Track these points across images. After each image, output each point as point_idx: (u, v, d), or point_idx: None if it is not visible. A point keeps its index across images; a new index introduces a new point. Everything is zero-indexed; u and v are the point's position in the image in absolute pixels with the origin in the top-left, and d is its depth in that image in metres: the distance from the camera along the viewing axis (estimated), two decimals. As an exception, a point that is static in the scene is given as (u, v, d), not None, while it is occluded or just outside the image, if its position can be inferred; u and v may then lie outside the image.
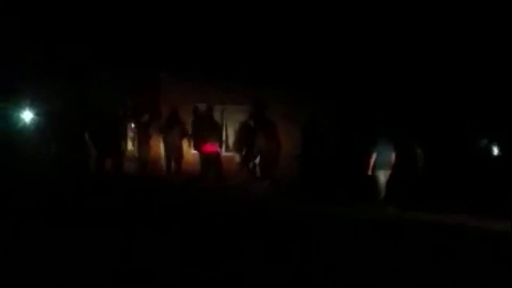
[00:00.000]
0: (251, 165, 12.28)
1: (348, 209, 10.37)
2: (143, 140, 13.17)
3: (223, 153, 13.44)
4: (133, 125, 14.07)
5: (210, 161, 12.23)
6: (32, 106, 13.09)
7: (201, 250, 6.08)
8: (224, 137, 14.25)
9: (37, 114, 13.05)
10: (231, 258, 5.86)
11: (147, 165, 13.11)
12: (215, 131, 12.63)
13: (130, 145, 14.33)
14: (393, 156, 11.02)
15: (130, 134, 14.34)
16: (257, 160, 12.09)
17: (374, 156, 10.99)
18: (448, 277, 5.77)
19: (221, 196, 10.56)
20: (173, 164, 12.80)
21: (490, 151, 14.66)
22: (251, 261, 5.72)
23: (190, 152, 13.06)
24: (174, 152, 12.69)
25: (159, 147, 13.38)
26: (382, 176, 11.02)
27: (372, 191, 11.09)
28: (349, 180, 11.71)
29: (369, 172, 11.02)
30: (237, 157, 12.79)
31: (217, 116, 13.61)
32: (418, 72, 13.75)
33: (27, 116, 13.23)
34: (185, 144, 12.77)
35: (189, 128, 12.71)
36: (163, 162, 13.12)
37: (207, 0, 14.00)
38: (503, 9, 12.36)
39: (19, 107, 12.99)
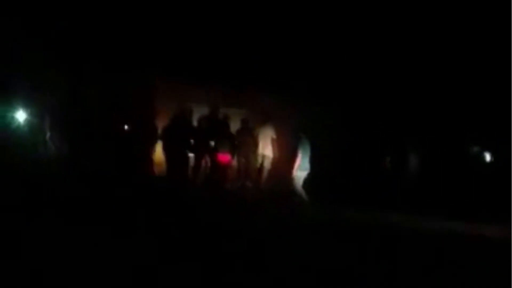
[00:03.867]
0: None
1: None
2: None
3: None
4: (126, 127, 14.03)
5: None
6: (25, 106, 13.08)
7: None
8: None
9: (31, 114, 13.05)
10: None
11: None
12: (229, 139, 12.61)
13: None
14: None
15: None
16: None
17: (299, 156, 10.99)
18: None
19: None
20: None
21: (483, 158, 14.70)
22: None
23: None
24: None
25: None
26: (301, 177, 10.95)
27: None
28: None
29: (294, 173, 11.00)
30: None
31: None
32: (412, 77, 13.75)
33: (21, 116, 13.22)
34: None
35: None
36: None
37: (203, 1, 13.93)
38: (494, 19, 12.49)
39: (12, 107, 12.98)
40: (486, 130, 13.92)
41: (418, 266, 6.55)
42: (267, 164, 12.63)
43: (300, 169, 10.94)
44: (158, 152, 12.52)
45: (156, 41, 13.85)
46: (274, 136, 12.58)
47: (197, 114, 13.09)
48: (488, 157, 14.61)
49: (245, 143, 12.59)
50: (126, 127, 13.90)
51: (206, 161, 12.40)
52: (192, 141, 12.20)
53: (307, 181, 10.98)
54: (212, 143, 12.33)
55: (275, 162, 12.65)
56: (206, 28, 13.79)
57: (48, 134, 12.35)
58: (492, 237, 9.34)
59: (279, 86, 13.41)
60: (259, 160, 12.65)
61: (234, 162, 12.77)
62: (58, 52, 13.44)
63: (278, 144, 12.63)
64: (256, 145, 12.66)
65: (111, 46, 13.62)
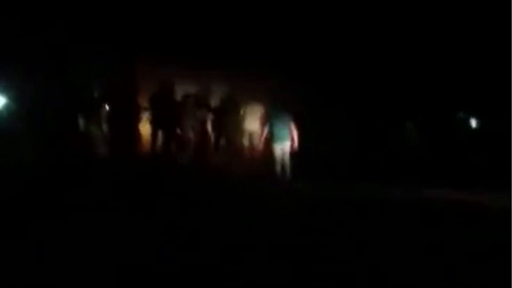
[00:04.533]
0: None
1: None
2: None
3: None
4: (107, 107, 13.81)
5: None
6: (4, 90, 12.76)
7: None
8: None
9: (11, 98, 12.73)
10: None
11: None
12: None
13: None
14: (291, 128, 10.70)
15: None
16: None
17: (266, 129, 10.89)
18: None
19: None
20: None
21: (468, 124, 14.73)
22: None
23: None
24: None
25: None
26: (279, 150, 10.71)
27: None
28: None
29: (260, 146, 10.99)
30: None
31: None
32: (403, 47, 13.68)
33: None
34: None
35: None
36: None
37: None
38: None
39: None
40: (471, 95, 13.90)
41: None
42: (256, 141, 12.33)
43: (277, 141, 10.70)
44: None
45: (138, 16, 13.55)
46: (262, 113, 12.41)
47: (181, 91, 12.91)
48: (473, 123, 14.65)
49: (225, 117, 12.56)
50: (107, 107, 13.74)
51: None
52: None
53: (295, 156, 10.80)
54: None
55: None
56: (190, 8, 13.53)
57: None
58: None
59: (270, 65, 13.20)
60: (246, 136, 12.54)
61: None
62: (38, 32, 13.12)
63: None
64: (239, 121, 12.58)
65: (90, 22, 13.30)
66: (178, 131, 12.28)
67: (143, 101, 12.48)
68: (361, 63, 13.61)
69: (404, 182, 10.91)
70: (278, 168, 10.70)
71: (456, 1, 13.07)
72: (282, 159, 10.68)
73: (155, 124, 12.13)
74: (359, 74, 13.66)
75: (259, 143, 12.16)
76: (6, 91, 12.55)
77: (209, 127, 12.93)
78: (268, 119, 11.10)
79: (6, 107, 12.56)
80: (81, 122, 11.87)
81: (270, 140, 10.85)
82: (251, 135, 12.54)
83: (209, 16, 13.52)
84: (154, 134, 12.11)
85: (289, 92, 12.40)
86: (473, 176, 11.26)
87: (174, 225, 6.51)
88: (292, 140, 10.65)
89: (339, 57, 13.56)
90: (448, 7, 13.09)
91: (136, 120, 12.27)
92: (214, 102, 13.22)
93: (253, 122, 12.51)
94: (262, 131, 11.92)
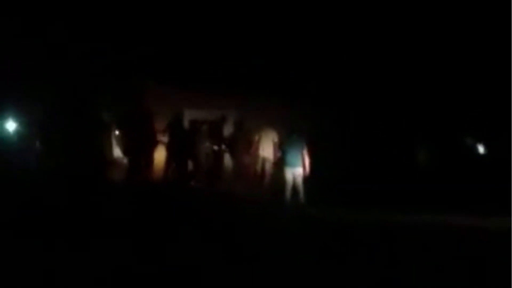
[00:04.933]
0: None
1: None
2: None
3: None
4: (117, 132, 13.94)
5: None
6: (15, 115, 12.90)
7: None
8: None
9: (21, 123, 12.88)
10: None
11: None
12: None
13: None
14: (303, 153, 10.81)
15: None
16: None
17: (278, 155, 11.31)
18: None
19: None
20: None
21: (476, 149, 14.87)
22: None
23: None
24: None
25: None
26: (290, 175, 10.85)
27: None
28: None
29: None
30: None
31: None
32: (407, 71, 13.86)
33: (10, 126, 13.04)
34: None
35: None
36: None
37: (193, 6, 13.84)
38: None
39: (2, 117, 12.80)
40: (479, 121, 14.07)
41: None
42: (268, 167, 12.60)
43: (289, 166, 10.84)
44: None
45: (147, 45, 13.78)
46: (276, 140, 12.50)
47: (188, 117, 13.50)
48: (481, 149, 14.78)
49: (237, 144, 12.78)
50: (117, 132, 13.86)
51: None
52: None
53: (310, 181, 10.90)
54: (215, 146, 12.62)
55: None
56: (197, 31, 13.76)
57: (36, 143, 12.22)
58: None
59: (278, 89, 13.39)
60: (259, 162, 12.64)
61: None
62: (47, 60, 13.31)
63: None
64: (250, 146, 12.73)
65: (101, 51, 13.51)
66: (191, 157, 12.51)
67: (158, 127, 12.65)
68: (375, 90, 13.79)
69: (414, 207, 10.99)
70: (288, 193, 10.81)
71: (464, 29, 13.26)
72: (294, 184, 10.79)
73: (170, 151, 12.39)
74: (372, 100, 13.82)
75: (270, 168, 12.40)
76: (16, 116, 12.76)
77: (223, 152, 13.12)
78: (280, 145, 11.29)
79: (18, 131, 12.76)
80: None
81: (282, 165, 11.02)
82: (264, 161, 12.63)
83: (222, 44, 13.75)
84: (168, 161, 12.45)
85: (302, 118, 12.55)
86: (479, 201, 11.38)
87: (185, 251, 6.52)
88: (304, 166, 10.79)
89: (352, 84, 13.76)
90: (457, 36, 13.32)
91: (151, 145, 12.40)
92: (227, 129, 13.45)
93: (266, 148, 12.59)
94: (275, 157, 12.13)
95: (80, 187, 10.64)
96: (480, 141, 14.75)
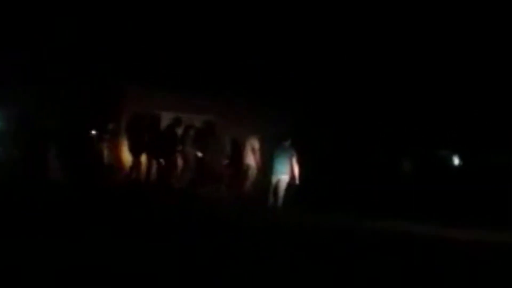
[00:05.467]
0: None
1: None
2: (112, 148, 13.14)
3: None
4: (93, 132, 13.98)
5: None
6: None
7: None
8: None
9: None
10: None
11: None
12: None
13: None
14: (292, 162, 11.05)
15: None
16: None
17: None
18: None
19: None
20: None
21: (451, 161, 14.99)
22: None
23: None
24: None
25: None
26: (275, 181, 11.14)
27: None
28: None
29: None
30: None
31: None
32: (384, 84, 13.98)
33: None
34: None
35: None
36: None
37: (174, 9, 13.88)
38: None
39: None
40: (454, 133, 14.20)
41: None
42: (250, 174, 12.56)
43: (275, 173, 11.08)
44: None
45: (125, 48, 13.78)
46: (256, 147, 12.46)
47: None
48: (456, 160, 14.90)
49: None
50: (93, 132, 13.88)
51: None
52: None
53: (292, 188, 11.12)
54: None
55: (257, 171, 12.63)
56: (170, 36, 13.78)
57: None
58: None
59: (261, 95, 13.44)
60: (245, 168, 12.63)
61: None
62: (27, 59, 13.29)
63: (261, 153, 12.53)
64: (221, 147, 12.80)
65: (81, 53, 13.53)
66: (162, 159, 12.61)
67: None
68: (357, 101, 13.93)
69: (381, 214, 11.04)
70: (270, 198, 11.15)
71: (441, 47, 13.44)
72: (275, 188, 11.09)
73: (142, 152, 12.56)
74: (354, 110, 13.93)
75: (251, 175, 12.40)
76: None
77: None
78: (265, 153, 11.57)
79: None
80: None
81: (270, 173, 11.28)
82: (247, 168, 12.58)
83: (206, 47, 13.78)
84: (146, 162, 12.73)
85: (288, 125, 12.69)
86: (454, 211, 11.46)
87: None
88: (293, 174, 10.98)
89: (338, 93, 13.85)
90: (436, 53, 13.50)
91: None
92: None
93: (248, 156, 12.53)
94: (257, 164, 12.15)
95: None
96: (455, 153, 14.88)
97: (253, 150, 12.45)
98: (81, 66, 13.56)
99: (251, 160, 12.49)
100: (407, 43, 13.83)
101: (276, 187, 11.15)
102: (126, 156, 13.14)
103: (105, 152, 13.11)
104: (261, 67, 13.77)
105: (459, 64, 13.69)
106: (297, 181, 11.10)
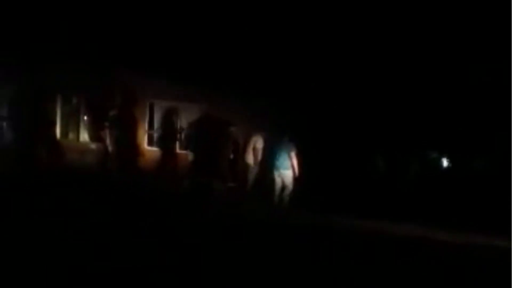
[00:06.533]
0: None
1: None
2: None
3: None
4: (85, 117, 13.85)
5: None
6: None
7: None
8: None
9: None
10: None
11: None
12: None
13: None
14: (291, 156, 11.00)
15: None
16: None
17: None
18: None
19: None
20: None
21: (440, 163, 15.20)
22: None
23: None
24: None
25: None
26: (278, 178, 11.11)
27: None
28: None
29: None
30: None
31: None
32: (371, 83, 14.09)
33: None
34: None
35: None
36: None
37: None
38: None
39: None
40: (443, 135, 14.37)
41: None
42: (249, 173, 12.39)
43: (278, 170, 11.04)
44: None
45: (118, 33, 13.67)
46: (260, 146, 12.24)
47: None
48: (445, 162, 15.11)
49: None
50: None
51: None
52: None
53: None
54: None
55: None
56: (170, 21, 13.68)
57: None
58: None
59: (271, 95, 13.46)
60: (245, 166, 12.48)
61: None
62: (18, 43, 13.13)
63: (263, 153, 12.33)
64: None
65: (72, 38, 13.38)
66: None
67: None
68: (351, 103, 14.01)
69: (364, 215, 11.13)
70: (276, 197, 11.06)
71: (429, 48, 13.56)
72: (283, 185, 11.04)
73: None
74: (348, 112, 14.02)
75: (251, 174, 12.35)
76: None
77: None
78: (264, 149, 11.46)
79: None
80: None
81: (269, 169, 11.20)
82: (248, 165, 12.43)
83: (199, 36, 13.72)
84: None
85: (289, 121, 12.65)
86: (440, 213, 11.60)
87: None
88: (293, 168, 10.95)
89: (332, 93, 13.91)
90: (429, 52, 13.59)
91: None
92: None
93: (248, 154, 12.34)
94: (255, 163, 12.14)
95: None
96: (444, 155, 15.08)
97: (254, 148, 12.32)
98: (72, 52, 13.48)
99: (250, 159, 12.40)
100: (397, 46, 13.89)
101: (282, 185, 11.10)
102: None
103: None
104: (257, 59, 13.77)
105: (451, 66, 13.82)
106: (296, 173, 11.03)
